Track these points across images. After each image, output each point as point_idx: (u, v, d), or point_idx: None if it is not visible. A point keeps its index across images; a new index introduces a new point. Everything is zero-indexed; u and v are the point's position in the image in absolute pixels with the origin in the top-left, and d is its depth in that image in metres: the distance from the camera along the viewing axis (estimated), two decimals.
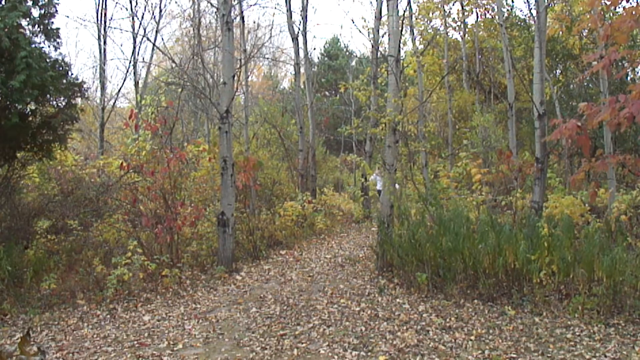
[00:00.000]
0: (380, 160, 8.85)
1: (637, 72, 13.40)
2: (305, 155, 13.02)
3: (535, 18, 7.60)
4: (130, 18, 14.36)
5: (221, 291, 6.30)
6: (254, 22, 26.04)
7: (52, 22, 6.95)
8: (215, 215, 7.80)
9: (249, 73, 14.80)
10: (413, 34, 15.69)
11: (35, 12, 6.82)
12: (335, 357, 4.02)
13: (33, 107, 6.78)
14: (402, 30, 9.03)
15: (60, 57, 7.02)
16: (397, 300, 5.58)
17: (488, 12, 16.89)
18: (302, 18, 13.25)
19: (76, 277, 6.32)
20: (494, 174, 8.29)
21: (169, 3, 33.30)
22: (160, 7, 17.63)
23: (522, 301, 5.16)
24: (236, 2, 10.03)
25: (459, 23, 17.42)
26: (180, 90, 11.78)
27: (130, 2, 15.24)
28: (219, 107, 7.39)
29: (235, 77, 8.15)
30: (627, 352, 3.92)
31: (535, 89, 7.15)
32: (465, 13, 17.06)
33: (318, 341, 4.38)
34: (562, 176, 11.43)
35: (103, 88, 13.64)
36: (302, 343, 4.34)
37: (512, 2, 27.61)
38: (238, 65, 9.56)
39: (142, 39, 13.96)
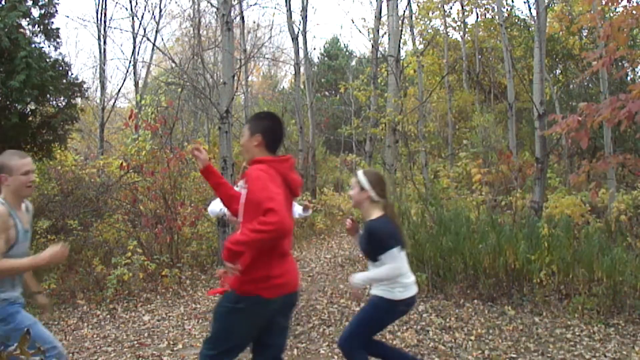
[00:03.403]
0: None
1: (637, 72, 13.41)
2: (305, 155, 13.02)
3: (535, 18, 7.60)
4: (130, 18, 14.39)
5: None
6: (254, 22, 26.05)
7: (52, 22, 6.97)
8: None
9: (249, 73, 14.80)
10: (413, 34, 15.71)
11: (35, 12, 6.84)
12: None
13: (33, 107, 6.79)
14: (402, 30, 9.04)
15: (60, 57, 7.05)
16: None
17: (488, 12, 16.90)
18: (302, 18, 13.26)
19: (76, 277, 6.32)
20: (494, 174, 8.29)
21: (169, 3, 33.33)
22: (160, 7, 17.70)
23: (522, 301, 5.16)
24: (236, 2, 10.03)
25: (459, 23, 17.43)
26: (180, 90, 11.79)
27: (130, 2, 15.29)
28: (219, 107, 7.39)
29: (235, 77, 8.16)
30: (627, 352, 3.92)
31: (535, 89, 7.15)
32: (465, 13, 17.07)
33: (318, 341, 4.38)
34: (562, 176, 11.43)
35: (103, 88, 13.65)
36: (302, 343, 4.34)
37: (512, 2, 27.62)
38: (238, 65, 9.56)
39: (142, 39, 13.98)
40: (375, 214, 2.97)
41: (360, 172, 3.11)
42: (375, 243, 2.87)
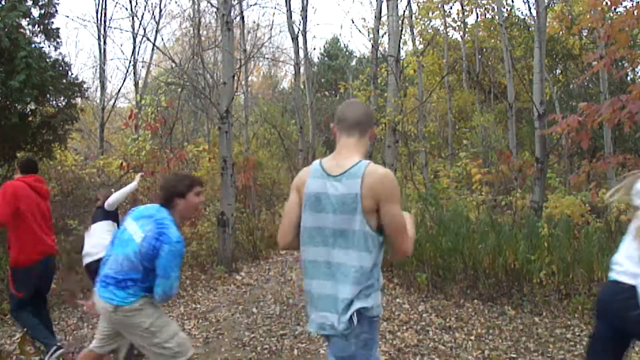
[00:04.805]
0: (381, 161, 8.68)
1: (637, 72, 13.41)
2: (305, 155, 13.01)
3: (535, 18, 7.60)
4: (130, 18, 14.36)
5: (221, 291, 6.30)
6: (254, 22, 26.01)
7: (52, 22, 6.98)
8: (215, 215, 7.80)
9: (248, 73, 14.80)
10: (413, 34, 15.70)
11: (35, 12, 6.85)
12: None
13: (33, 107, 6.79)
14: (402, 30, 9.05)
15: (60, 57, 7.05)
16: (397, 300, 5.58)
17: (488, 12, 16.89)
18: (302, 18, 13.24)
19: (76, 277, 6.31)
20: (494, 174, 8.29)
21: (169, 3, 33.33)
22: (160, 7, 17.70)
23: (522, 301, 5.16)
24: (236, 2, 10.02)
25: (459, 23, 17.42)
26: (180, 90, 11.79)
27: (130, 2, 15.25)
28: (219, 107, 7.39)
29: (235, 77, 8.15)
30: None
31: (535, 89, 7.14)
32: (465, 13, 17.06)
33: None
34: (562, 176, 11.43)
35: (103, 88, 13.63)
36: (302, 343, 4.34)
37: (512, 2, 27.58)
38: (238, 65, 9.56)
39: (142, 39, 13.93)
40: None
41: None
42: None
